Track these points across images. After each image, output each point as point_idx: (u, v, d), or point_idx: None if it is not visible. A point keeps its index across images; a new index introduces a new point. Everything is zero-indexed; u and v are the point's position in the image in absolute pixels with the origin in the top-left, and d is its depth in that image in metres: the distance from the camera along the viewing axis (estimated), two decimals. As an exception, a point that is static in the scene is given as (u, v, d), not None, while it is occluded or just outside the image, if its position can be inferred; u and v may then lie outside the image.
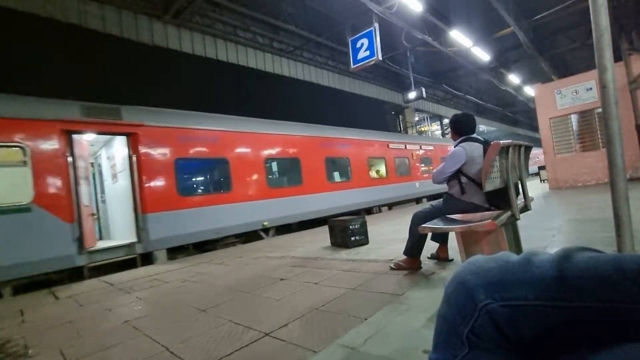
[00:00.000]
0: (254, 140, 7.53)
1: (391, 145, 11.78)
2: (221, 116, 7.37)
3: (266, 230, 7.49)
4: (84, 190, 5.41)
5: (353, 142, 10.20)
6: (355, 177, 9.92)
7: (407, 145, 12.72)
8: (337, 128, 10.10)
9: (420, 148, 13.53)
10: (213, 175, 7.24)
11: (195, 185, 6.90)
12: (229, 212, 6.75)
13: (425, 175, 13.38)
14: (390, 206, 11.59)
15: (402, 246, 2.85)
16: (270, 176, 7.90)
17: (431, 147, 14.34)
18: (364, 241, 4.41)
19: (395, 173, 11.74)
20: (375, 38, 7.09)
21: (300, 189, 8.28)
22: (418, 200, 13.08)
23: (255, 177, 7.40)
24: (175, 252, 6.08)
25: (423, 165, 13.51)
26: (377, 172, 11.25)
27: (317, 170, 8.81)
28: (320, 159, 8.95)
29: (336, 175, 9.64)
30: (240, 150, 7.23)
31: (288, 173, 8.50)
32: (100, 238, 7.18)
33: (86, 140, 5.91)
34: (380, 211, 10.87)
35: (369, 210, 10.44)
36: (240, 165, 7.12)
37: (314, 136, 8.98)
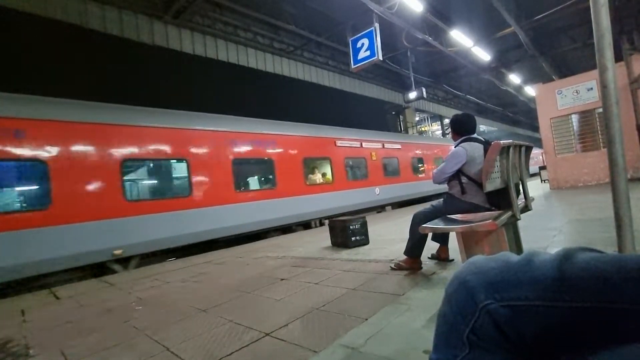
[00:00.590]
0: (102, 135, 5.43)
1: (339, 143, 9.73)
2: (32, 98, 5.14)
3: (123, 260, 5.51)
4: None
5: (279, 139, 8.16)
6: (282, 184, 7.94)
7: (364, 143, 10.62)
8: (253, 120, 8.04)
9: (383, 146, 11.41)
10: (12, 186, 4.84)
11: None
12: (44, 240, 4.70)
13: (389, 179, 11.26)
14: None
15: (403, 246, 2.85)
16: (132, 185, 5.89)
17: (398, 146, 12.12)
18: (365, 241, 4.41)
19: (345, 177, 9.67)
20: (376, 38, 7.09)
21: (187, 201, 6.23)
22: (380, 209, 11.12)
23: (103, 187, 5.32)
24: None
25: (387, 167, 11.37)
26: (323, 175, 9.28)
27: (220, 175, 6.82)
28: (225, 160, 6.97)
29: (252, 182, 7.81)
30: (70, 148, 5.10)
31: (168, 181, 6.47)
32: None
33: None
34: (322, 224, 8.85)
35: (306, 225, 8.60)
36: (71, 171, 5.05)
37: (215, 131, 6.90)
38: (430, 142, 14.91)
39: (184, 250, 6.33)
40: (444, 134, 27.15)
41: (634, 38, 9.08)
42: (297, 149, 8.53)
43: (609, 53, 1.66)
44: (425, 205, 2.79)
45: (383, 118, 21.12)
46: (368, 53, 7.27)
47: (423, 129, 32.05)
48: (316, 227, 8.60)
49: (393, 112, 20.90)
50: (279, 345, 1.73)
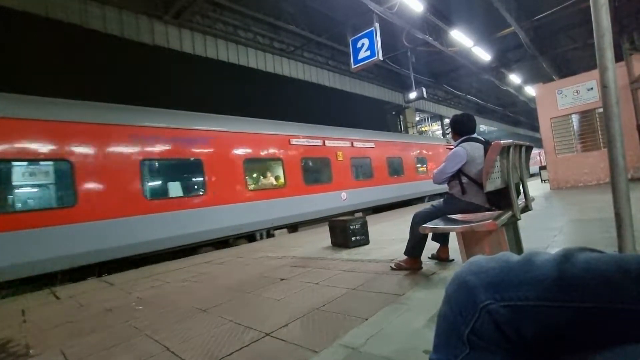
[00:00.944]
0: None
1: (295, 142, 8.46)
2: None
3: None
4: None
5: (212, 137, 6.86)
6: (214, 190, 6.71)
7: (327, 142, 9.30)
8: (173, 112, 6.69)
9: (352, 145, 10.08)
10: None
11: None
12: None
13: (359, 183, 9.97)
14: (295, 227, 8.30)
15: (403, 246, 2.85)
16: None
17: (371, 145, 10.76)
18: (365, 241, 4.41)
19: (301, 181, 8.41)
20: (376, 38, 7.09)
21: (71, 212, 5.04)
22: (350, 215, 9.57)
23: None
24: None
25: (357, 168, 10.12)
26: (277, 179, 8.19)
27: (122, 180, 5.61)
28: (132, 162, 5.74)
29: (173, 187, 6.41)
30: None
31: (40, 187, 5.17)
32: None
33: None
34: (272, 235, 7.71)
35: (250, 237, 7.37)
36: None
37: (114, 125, 5.65)
38: (410, 140, 13.36)
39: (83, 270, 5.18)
40: (444, 134, 27.16)
41: (634, 38, 9.07)
42: (236, 148, 7.31)
43: (609, 53, 1.65)
44: (426, 206, 2.79)
45: (383, 118, 21.15)
46: (368, 53, 7.27)
47: (423, 129, 32.09)
48: (262, 239, 7.44)
49: (393, 112, 20.94)
50: (279, 345, 1.73)
